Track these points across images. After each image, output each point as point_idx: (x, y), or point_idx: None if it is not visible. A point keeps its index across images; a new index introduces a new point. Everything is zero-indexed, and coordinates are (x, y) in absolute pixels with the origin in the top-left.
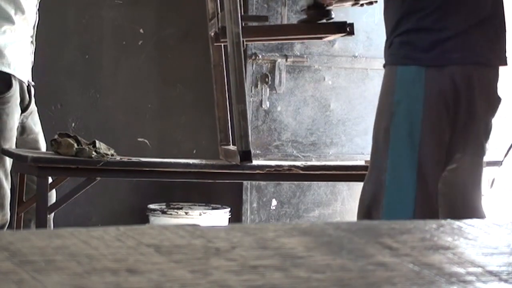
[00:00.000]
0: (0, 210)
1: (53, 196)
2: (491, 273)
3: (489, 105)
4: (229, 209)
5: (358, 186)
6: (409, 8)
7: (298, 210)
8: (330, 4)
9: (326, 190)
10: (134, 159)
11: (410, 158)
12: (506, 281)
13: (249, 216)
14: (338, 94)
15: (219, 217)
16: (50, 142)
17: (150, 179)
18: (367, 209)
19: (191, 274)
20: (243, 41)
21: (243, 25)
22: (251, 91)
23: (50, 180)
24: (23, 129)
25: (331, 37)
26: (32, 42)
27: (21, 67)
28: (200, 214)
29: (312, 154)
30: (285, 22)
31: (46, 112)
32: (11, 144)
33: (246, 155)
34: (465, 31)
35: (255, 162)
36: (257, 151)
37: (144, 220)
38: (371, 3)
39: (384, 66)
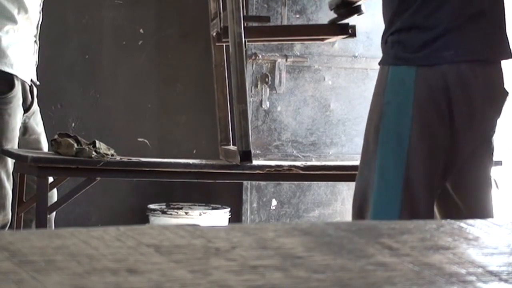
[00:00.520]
0: (2, 210)
1: (54, 196)
2: (491, 273)
3: (492, 102)
4: (229, 209)
5: None
6: (400, 5)
7: (298, 210)
8: (358, 0)
9: (326, 190)
10: (134, 159)
11: (398, 159)
12: (506, 281)
13: (249, 216)
14: (338, 94)
15: (219, 217)
16: (50, 142)
17: (150, 179)
18: (359, 209)
19: (191, 274)
20: (245, 41)
21: (245, 25)
22: (251, 91)
23: (50, 180)
24: (25, 129)
25: (333, 39)
26: (35, 41)
27: (24, 67)
28: (200, 214)
29: (312, 154)
30: (285, 22)
31: (46, 112)
32: (13, 144)
33: (246, 155)
34: (458, 27)
35: (255, 162)
36: (257, 151)
37: (144, 220)
38: None
39: (379, 64)
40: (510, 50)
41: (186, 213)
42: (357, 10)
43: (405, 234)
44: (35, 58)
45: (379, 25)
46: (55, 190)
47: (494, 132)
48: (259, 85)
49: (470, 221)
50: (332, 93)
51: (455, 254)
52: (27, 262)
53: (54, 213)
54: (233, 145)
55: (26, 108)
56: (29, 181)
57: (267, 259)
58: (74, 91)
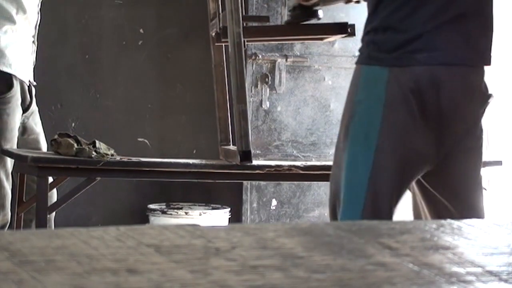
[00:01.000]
0: (1, 210)
1: (54, 196)
2: (491, 273)
3: (471, 105)
4: (229, 209)
5: None
6: (378, 5)
7: (298, 210)
8: (317, 4)
9: (326, 190)
10: (134, 159)
11: (365, 159)
12: (506, 281)
13: (249, 216)
14: (338, 94)
15: (219, 217)
16: (50, 142)
17: (150, 179)
18: (333, 209)
19: (191, 274)
20: (244, 41)
21: (244, 25)
22: (251, 91)
23: (50, 180)
24: (24, 129)
25: (332, 38)
26: (33, 42)
27: (22, 67)
28: (200, 214)
29: (312, 154)
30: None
31: (46, 112)
32: (12, 144)
33: (246, 155)
34: (434, 30)
35: (255, 162)
36: (257, 151)
37: (144, 220)
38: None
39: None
40: (490, 57)
41: (186, 213)
42: (313, 15)
43: (405, 234)
44: (33, 58)
45: None
46: (54, 190)
47: (479, 134)
48: (259, 85)
49: (470, 221)
50: (332, 93)
51: (455, 254)
52: (27, 262)
53: (54, 213)
54: (233, 145)
55: (25, 108)
56: (29, 181)
57: (267, 259)
58: (74, 91)
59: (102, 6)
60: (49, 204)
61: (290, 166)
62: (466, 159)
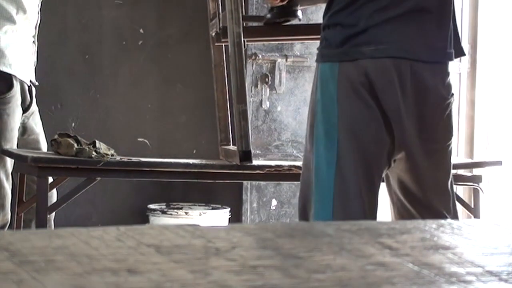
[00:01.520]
0: (1, 210)
1: (54, 196)
2: (491, 273)
3: (428, 102)
4: (229, 209)
5: None
6: (330, 3)
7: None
8: (295, 5)
9: None
10: (134, 159)
11: (329, 157)
12: (506, 281)
13: (249, 216)
14: None
15: (219, 217)
16: (50, 142)
17: (150, 179)
18: (303, 210)
19: (191, 274)
20: (244, 41)
21: (244, 25)
22: (251, 91)
23: (50, 180)
24: (24, 129)
25: None
26: (34, 42)
27: (23, 67)
28: (200, 214)
29: None
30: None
31: (46, 112)
32: (12, 144)
33: (246, 155)
34: (382, 23)
35: (255, 162)
36: (257, 151)
37: (144, 220)
38: None
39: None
40: (449, 53)
41: (186, 213)
42: (291, 15)
43: (405, 234)
44: (33, 58)
45: None
46: (54, 190)
47: (446, 136)
48: (259, 85)
49: (470, 221)
50: None
51: (455, 254)
52: (27, 262)
53: (54, 213)
54: (233, 145)
55: (25, 108)
56: (29, 181)
57: (267, 259)
58: (74, 91)
59: (102, 6)
60: (49, 204)
61: (290, 166)
62: (430, 162)
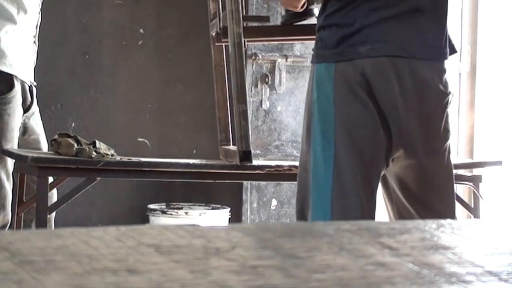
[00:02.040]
0: (2, 211)
1: (54, 196)
2: (491, 273)
3: (425, 100)
4: (229, 209)
5: None
6: (325, 3)
7: None
8: (311, 3)
9: None
10: (134, 159)
11: (326, 159)
12: (506, 281)
13: (249, 216)
14: None
15: (219, 217)
16: (50, 142)
17: (150, 179)
18: (301, 211)
19: (191, 274)
20: (244, 41)
21: (245, 25)
22: (251, 91)
23: (50, 180)
24: (25, 129)
25: None
26: (34, 42)
27: (23, 67)
28: (200, 214)
29: None
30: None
31: (46, 112)
32: (12, 144)
33: (246, 155)
34: (378, 23)
35: (255, 162)
36: (257, 151)
37: (144, 220)
38: None
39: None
40: (445, 52)
41: (186, 213)
42: (308, 14)
43: (405, 234)
44: (33, 58)
45: None
46: (54, 190)
47: (443, 136)
48: (259, 85)
49: (470, 221)
50: None
51: (455, 254)
52: (27, 262)
53: (54, 213)
54: (233, 145)
55: (26, 108)
56: (29, 181)
57: (267, 259)
58: (74, 91)
59: (102, 6)
60: (49, 204)
61: (290, 166)
62: (429, 161)
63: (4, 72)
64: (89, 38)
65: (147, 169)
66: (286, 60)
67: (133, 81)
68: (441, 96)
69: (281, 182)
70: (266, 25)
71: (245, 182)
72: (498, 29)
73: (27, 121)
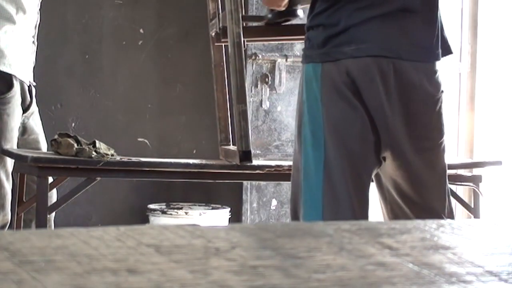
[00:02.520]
0: (1, 210)
1: (54, 196)
2: (491, 273)
3: (412, 100)
4: (229, 209)
5: None
6: (313, 4)
7: None
8: (294, 4)
9: None
10: (134, 159)
11: (317, 157)
12: (506, 281)
13: (249, 216)
14: None
15: (219, 217)
16: (50, 142)
17: (150, 179)
18: (294, 212)
19: (191, 274)
20: (244, 41)
21: (244, 25)
22: (251, 91)
23: (50, 180)
24: (24, 129)
25: None
26: (33, 42)
27: (22, 67)
28: (200, 214)
29: None
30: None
31: (46, 112)
32: (12, 144)
33: (246, 155)
34: (363, 23)
35: (255, 162)
36: (257, 151)
37: (144, 220)
38: None
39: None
40: (439, 52)
41: (186, 213)
42: (292, 14)
43: (405, 234)
44: (32, 58)
45: None
46: (54, 190)
47: (436, 135)
48: (259, 85)
49: (470, 221)
50: None
51: (455, 254)
52: (27, 262)
53: (54, 213)
54: (233, 145)
55: (25, 108)
56: (29, 181)
57: (267, 259)
58: (74, 91)
59: (102, 6)
60: (49, 204)
61: (290, 166)
62: (419, 161)
63: (3, 72)
64: (89, 38)
65: (147, 169)
66: (286, 60)
67: (133, 81)
68: (429, 97)
69: (281, 182)
70: (266, 25)
71: (245, 182)
72: (498, 29)
73: (26, 121)
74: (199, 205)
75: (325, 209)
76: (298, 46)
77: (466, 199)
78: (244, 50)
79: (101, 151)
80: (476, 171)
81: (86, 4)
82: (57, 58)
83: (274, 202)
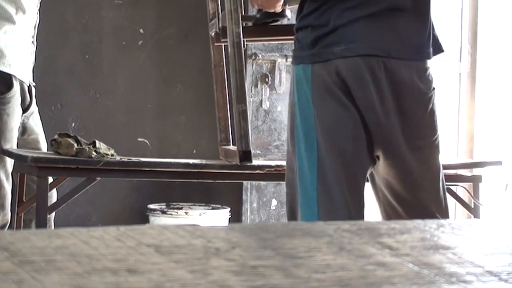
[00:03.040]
0: (1, 210)
1: (54, 196)
2: (491, 273)
3: (405, 99)
4: (229, 209)
5: None
6: (302, 6)
7: None
8: (283, 4)
9: None
10: (134, 159)
11: (310, 158)
12: (506, 281)
13: (249, 216)
14: None
15: (219, 217)
16: (50, 142)
17: (150, 179)
18: (291, 212)
19: (191, 274)
20: (243, 41)
21: (244, 25)
22: (251, 91)
23: (50, 180)
24: (24, 129)
25: None
26: (33, 42)
27: (22, 67)
28: (200, 214)
29: None
30: (285, 22)
31: (46, 112)
32: (12, 144)
33: (246, 155)
34: (351, 22)
35: (255, 162)
36: (257, 151)
37: (144, 220)
38: None
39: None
40: (430, 50)
41: (186, 213)
42: (280, 15)
43: (405, 234)
44: (32, 58)
45: None
46: (54, 190)
47: (429, 133)
48: (259, 85)
49: (470, 221)
50: None
51: (455, 254)
52: (27, 262)
53: (54, 213)
54: (233, 145)
55: (25, 108)
56: (29, 181)
57: (267, 259)
58: (74, 91)
59: (102, 6)
60: (49, 204)
61: None
62: (412, 159)
63: (3, 72)
64: (89, 38)
65: (147, 169)
66: (286, 60)
67: (133, 81)
68: (421, 95)
69: (281, 182)
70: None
71: (245, 182)
72: (498, 29)
73: (26, 121)
74: (199, 205)
75: (320, 210)
76: None
77: (466, 199)
78: (244, 50)
79: (101, 151)
80: (476, 171)
81: (86, 4)
82: (57, 58)
83: (274, 202)
